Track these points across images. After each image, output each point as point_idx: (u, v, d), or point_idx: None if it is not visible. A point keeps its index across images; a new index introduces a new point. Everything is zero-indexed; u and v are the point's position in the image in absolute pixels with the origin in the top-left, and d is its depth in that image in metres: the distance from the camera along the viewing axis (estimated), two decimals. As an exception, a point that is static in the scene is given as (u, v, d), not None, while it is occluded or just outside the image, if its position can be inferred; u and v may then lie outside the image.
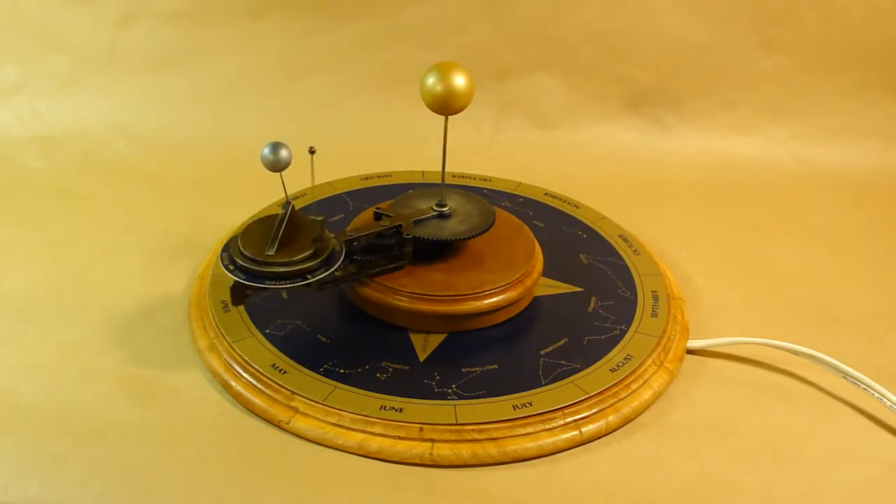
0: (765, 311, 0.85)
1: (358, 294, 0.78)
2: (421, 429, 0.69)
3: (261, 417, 0.71)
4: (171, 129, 1.07)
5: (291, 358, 0.73)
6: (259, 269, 0.69)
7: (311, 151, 0.69)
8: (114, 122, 1.07)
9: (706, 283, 0.88)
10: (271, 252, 0.70)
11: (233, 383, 0.73)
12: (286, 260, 0.70)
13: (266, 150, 0.69)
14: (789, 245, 0.95)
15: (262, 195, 0.92)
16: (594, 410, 0.71)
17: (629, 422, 0.72)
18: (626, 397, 0.73)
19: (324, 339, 0.76)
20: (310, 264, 0.70)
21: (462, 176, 0.98)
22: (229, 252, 0.71)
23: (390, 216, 0.78)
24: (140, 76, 1.09)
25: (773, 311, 0.85)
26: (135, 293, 0.83)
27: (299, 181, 0.94)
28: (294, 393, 0.71)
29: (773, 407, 0.75)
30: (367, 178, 0.96)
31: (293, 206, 0.72)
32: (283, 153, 0.69)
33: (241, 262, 0.70)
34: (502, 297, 0.77)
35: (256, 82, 1.10)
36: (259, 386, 0.72)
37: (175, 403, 0.72)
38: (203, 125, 1.07)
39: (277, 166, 0.69)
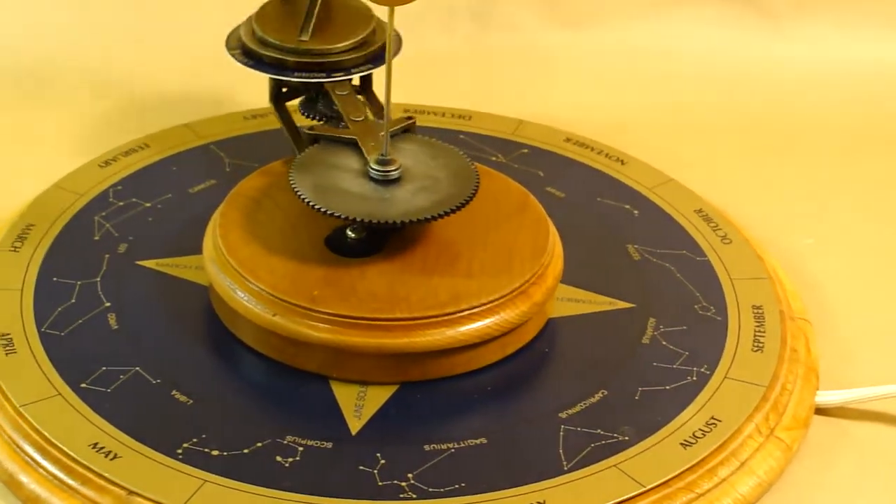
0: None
1: (240, 317, 0.77)
2: (354, 552, 0.69)
3: (73, 537, 0.70)
4: None
5: (127, 432, 0.73)
6: (286, 57, 0.82)
7: None
8: None
9: (846, 292, 0.89)
10: (305, 38, 0.82)
11: (22, 477, 0.72)
12: (325, 48, 0.82)
13: None
14: None
15: (58, 159, 0.93)
16: (655, 515, 0.72)
17: (717, 533, 0.73)
18: (709, 490, 0.73)
19: (183, 399, 0.76)
20: (355, 56, 0.83)
21: (423, 111, 0.99)
22: (239, 36, 0.85)
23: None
24: None
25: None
26: None
27: (123, 133, 0.95)
28: (132, 493, 0.70)
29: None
30: (253, 117, 0.98)
31: None
32: None
33: (259, 50, 0.83)
34: (492, 319, 0.78)
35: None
36: (69, 481, 0.71)
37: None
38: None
39: None
